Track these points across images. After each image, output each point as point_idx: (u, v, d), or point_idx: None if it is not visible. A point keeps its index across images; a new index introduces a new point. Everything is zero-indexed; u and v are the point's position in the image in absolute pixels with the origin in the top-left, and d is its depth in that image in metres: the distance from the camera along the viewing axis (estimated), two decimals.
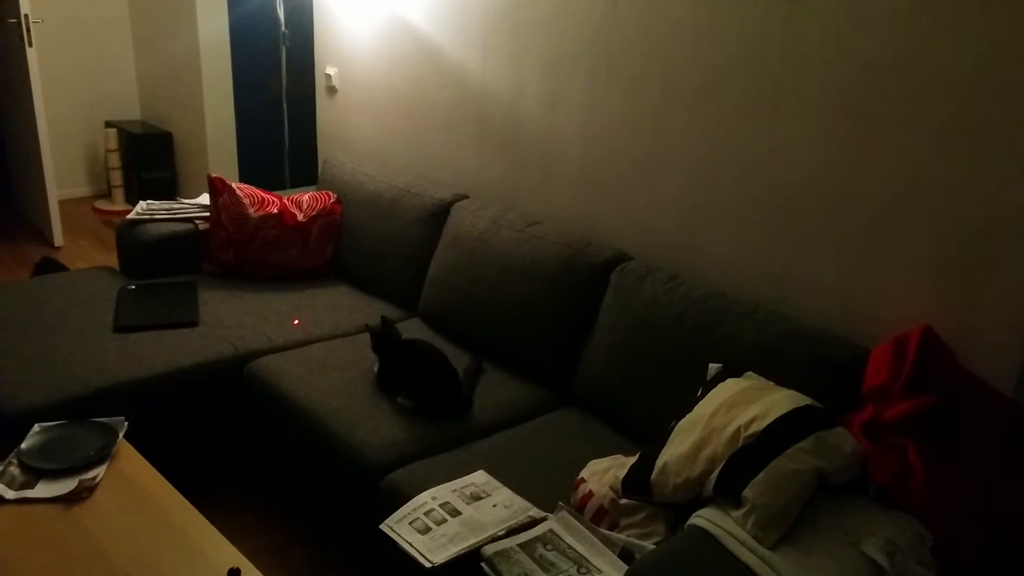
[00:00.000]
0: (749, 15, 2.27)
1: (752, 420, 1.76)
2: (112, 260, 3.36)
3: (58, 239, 4.84)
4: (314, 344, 2.76)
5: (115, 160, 5.49)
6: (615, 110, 2.67)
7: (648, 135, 2.60)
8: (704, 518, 1.70)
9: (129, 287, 3.00)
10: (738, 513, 1.66)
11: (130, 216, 3.28)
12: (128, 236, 3.23)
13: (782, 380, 1.95)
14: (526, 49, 2.92)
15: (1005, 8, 1.80)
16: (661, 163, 2.58)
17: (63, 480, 1.87)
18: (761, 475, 1.66)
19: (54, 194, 4.77)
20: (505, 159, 3.11)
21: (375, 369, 2.53)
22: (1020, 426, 1.85)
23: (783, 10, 2.19)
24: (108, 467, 1.94)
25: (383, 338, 2.51)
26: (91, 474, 1.90)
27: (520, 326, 2.64)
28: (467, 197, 3.10)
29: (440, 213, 3.06)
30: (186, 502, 1.85)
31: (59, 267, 3.85)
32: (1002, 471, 1.78)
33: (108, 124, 5.57)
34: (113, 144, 5.44)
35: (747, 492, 1.66)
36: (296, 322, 2.51)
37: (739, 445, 1.74)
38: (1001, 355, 1.91)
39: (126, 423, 2.07)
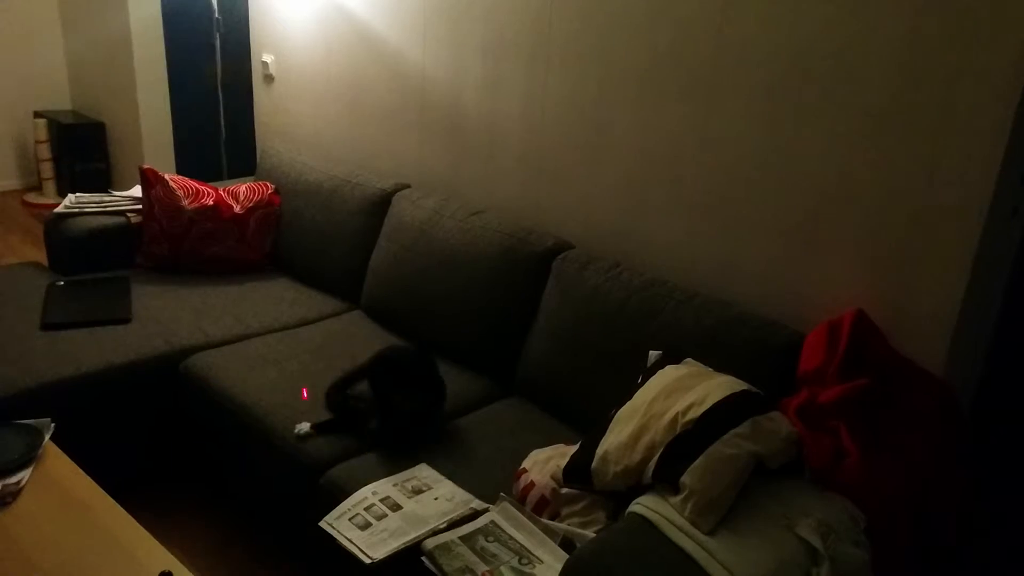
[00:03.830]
0: (686, 6, 2.27)
1: (690, 407, 1.77)
2: (43, 256, 3.25)
3: None
4: (253, 339, 2.70)
5: (45, 152, 5.30)
6: (555, 99, 2.66)
7: (588, 124, 2.59)
8: (643, 505, 1.71)
9: (58, 283, 2.90)
10: (676, 499, 1.67)
11: (58, 210, 3.17)
12: (56, 230, 3.13)
13: (720, 366, 1.97)
14: (466, 36, 2.88)
15: None
16: (601, 152, 2.58)
17: None
18: (698, 461, 1.67)
19: None
20: (447, 148, 3.08)
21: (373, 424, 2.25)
22: (950, 405, 1.89)
23: (719, 2, 2.20)
24: (33, 471, 1.87)
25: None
26: (15, 478, 1.83)
27: (462, 316, 2.62)
28: (409, 187, 3.06)
29: (381, 203, 3.02)
30: (116, 505, 1.80)
31: None
32: (932, 450, 1.82)
33: (37, 114, 5.38)
34: (43, 135, 5.26)
35: (685, 478, 1.67)
36: (305, 395, 2.37)
37: (677, 432, 1.74)
38: (931, 336, 1.95)
39: (53, 425, 2.00)
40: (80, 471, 1.90)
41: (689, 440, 1.71)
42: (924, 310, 1.96)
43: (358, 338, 2.75)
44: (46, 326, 2.60)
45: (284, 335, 2.73)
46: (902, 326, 2.00)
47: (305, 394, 2.36)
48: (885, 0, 1.89)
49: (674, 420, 1.76)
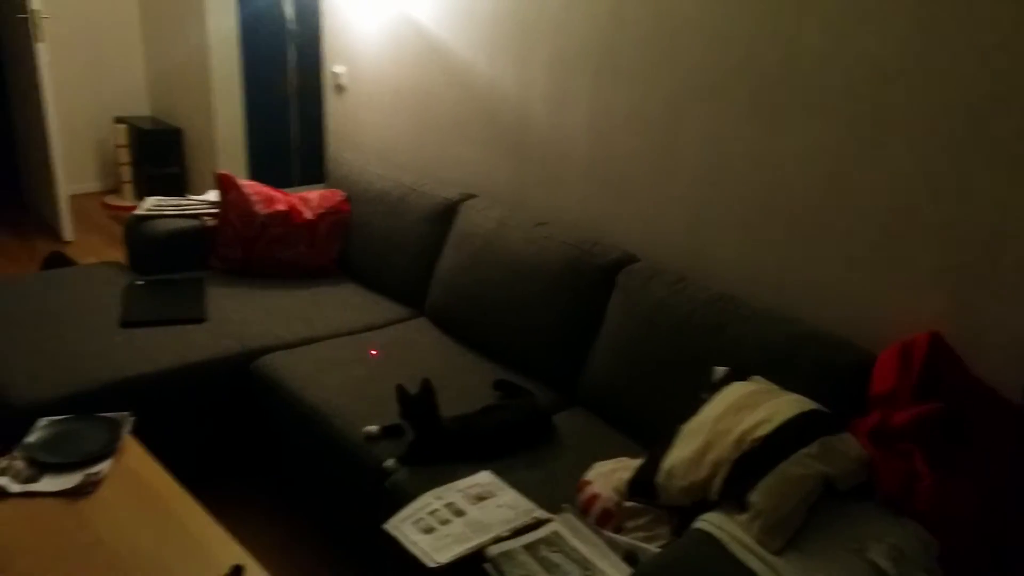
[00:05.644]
0: (756, 17, 2.26)
1: (758, 424, 1.75)
2: (121, 255, 3.37)
3: (68, 234, 4.85)
4: (321, 342, 2.76)
5: (125, 156, 5.50)
6: (622, 111, 2.67)
7: (655, 136, 2.59)
8: (709, 522, 1.70)
9: (137, 283, 3.01)
10: (743, 517, 1.66)
11: (138, 212, 3.29)
12: (136, 232, 3.24)
13: (788, 384, 1.94)
14: (533, 49, 2.91)
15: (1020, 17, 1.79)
16: (668, 164, 2.57)
17: (68, 474, 1.87)
18: (766, 480, 1.65)
19: (63, 189, 4.78)
20: (512, 159, 3.10)
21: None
22: None
23: (791, 13, 2.18)
24: (113, 462, 1.94)
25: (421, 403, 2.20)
26: (96, 469, 1.90)
27: (527, 327, 2.64)
28: (475, 196, 3.10)
29: (447, 212, 3.06)
30: (190, 498, 1.85)
31: (67, 262, 3.86)
32: (1009, 478, 1.77)
33: (118, 120, 5.58)
34: (123, 140, 5.46)
35: (752, 497, 1.65)
36: (374, 352, 2.53)
37: (744, 449, 1.73)
38: (1010, 362, 1.90)
39: (132, 419, 2.07)
40: (156, 464, 1.96)
41: (757, 458, 1.70)
42: (1002, 335, 1.91)
43: (422, 345, 2.79)
44: (126, 324, 2.69)
45: (350, 339, 2.79)
46: (979, 350, 1.95)
47: (374, 353, 2.50)
48: (961, 13, 1.86)
49: (741, 437, 1.74)
